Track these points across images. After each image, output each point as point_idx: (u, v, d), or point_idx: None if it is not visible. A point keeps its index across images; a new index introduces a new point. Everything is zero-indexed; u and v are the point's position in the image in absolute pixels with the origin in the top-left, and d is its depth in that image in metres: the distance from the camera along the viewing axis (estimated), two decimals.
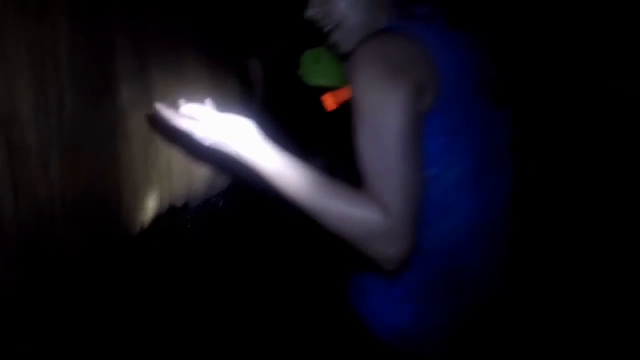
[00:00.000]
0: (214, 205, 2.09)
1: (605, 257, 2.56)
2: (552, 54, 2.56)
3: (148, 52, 1.73)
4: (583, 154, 2.64)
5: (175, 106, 0.94)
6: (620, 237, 2.52)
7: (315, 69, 2.03)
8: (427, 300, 0.86)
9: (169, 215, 1.85)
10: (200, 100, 0.99)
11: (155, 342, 1.66)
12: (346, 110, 0.82)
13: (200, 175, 2.00)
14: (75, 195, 1.37)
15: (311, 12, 0.94)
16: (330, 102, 1.37)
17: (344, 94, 1.38)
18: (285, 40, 2.59)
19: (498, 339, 1.01)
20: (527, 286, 2.51)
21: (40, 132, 1.21)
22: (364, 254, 0.74)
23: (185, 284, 1.83)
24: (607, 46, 2.52)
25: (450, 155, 0.80)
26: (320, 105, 1.97)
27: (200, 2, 2.16)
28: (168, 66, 1.83)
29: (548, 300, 2.51)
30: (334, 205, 0.73)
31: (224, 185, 2.14)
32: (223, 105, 1.03)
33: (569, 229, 2.68)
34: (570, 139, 2.70)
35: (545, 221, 2.72)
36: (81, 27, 1.38)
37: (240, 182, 2.08)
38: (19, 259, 1.21)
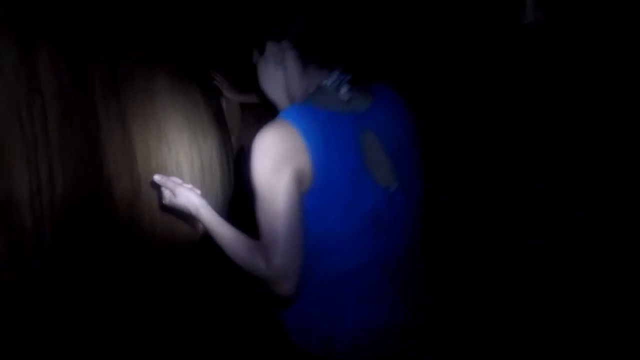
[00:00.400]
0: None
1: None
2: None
3: (129, 115, 1.79)
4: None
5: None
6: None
7: None
8: (312, 317, 1.16)
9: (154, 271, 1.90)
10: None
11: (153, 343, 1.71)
12: None
13: (183, 234, 2.05)
14: (68, 264, 1.41)
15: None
16: None
17: None
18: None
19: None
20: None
21: (35, 214, 1.26)
22: None
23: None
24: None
25: (330, 218, 1.07)
26: None
27: (177, 58, 2.24)
28: (149, 127, 1.90)
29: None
30: (241, 254, 1.08)
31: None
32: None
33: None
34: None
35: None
36: (69, 105, 1.44)
37: None
38: (17, 333, 1.24)
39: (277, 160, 1.00)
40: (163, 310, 1.99)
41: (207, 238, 1.24)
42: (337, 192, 1.04)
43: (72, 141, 1.44)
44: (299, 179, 1.01)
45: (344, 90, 1.09)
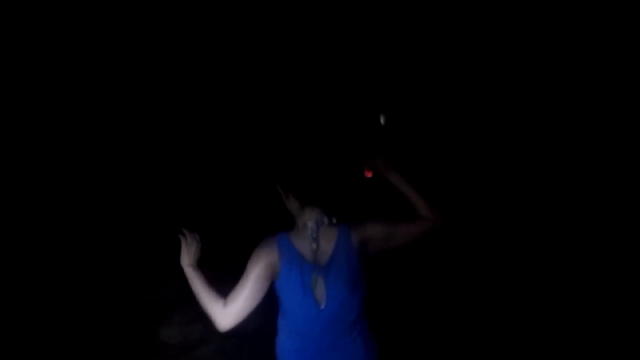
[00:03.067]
0: None
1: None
2: None
3: None
4: None
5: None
6: None
7: None
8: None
9: None
10: None
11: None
12: None
13: None
14: None
15: None
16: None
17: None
18: None
19: None
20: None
21: None
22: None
23: None
24: None
25: (285, 302, 1.77)
26: None
27: None
28: None
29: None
30: (207, 302, 1.72)
31: None
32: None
33: None
34: None
35: None
36: None
37: None
38: None
39: (258, 256, 1.73)
40: None
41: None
42: (290, 290, 1.74)
43: None
44: (269, 270, 1.73)
45: (314, 245, 1.74)
